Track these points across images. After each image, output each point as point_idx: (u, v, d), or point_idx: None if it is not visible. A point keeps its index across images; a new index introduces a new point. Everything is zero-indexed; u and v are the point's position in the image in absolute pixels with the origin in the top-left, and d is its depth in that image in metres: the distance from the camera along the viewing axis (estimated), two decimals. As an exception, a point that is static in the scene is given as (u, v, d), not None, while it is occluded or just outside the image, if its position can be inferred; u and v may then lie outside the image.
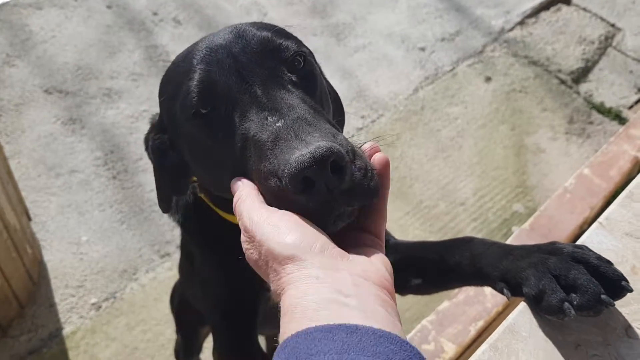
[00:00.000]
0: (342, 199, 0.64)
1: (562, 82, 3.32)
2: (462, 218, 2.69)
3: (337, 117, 0.97)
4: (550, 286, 0.71)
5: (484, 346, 0.69)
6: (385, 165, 0.69)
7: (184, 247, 1.32)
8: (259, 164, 0.68)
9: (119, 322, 2.25)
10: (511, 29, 3.58)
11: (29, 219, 2.42)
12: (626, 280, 0.70)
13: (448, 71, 3.32)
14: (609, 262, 0.72)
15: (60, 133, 2.83)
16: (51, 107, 2.93)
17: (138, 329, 2.23)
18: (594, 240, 0.80)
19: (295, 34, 0.86)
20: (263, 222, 0.63)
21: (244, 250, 0.66)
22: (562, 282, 0.72)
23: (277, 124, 0.68)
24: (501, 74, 3.33)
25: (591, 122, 3.14)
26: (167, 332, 2.22)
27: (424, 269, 1.01)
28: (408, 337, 2.01)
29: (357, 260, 0.61)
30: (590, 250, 0.74)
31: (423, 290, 1.06)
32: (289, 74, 0.77)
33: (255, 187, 0.69)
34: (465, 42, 3.48)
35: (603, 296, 0.68)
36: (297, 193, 0.62)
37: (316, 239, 0.61)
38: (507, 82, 3.29)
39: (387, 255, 1.06)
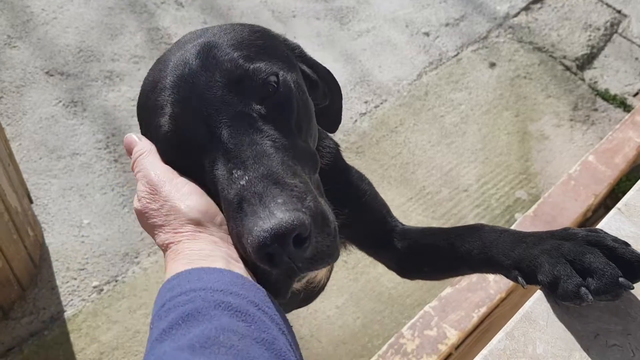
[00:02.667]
0: (305, 266, 0.64)
1: (567, 68, 3.29)
2: (465, 204, 2.67)
3: (333, 100, 0.95)
4: (565, 272, 0.70)
5: (500, 334, 0.67)
6: None
7: None
8: (228, 219, 0.68)
9: (121, 305, 2.24)
10: (516, 15, 3.54)
11: (31, 201, 2.40)
12: None
13: (452, 56, 3.29)
14: (625, 244, 0.71)
15: (62, 115, 2.80)
16: (52, 89, 2.90)
17: (140, 312, 2.23)
18: (612, 226, 0.78)
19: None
20: (170, 181, 0.69)
21: (138, 198, 0.70)
22: (577, 267, 0.70)
23: (242, 182, 0.65)
24: (506, 60, 3.30)
25: (596, 109, 3.12)
26: (169, 316, 2.21)
27: (433, 256, 1.00)
28: (410, 323, 2.01)
29: None
30: (606, 233, 0.72)
31: (432, 276, 1.06)
32: (258, 107, 0.72)
33: (152, 144, 0.74)
34: (469, 28, 3.44)
35: (621, 279, 0.66)
36: (261, 264, 0.63)
37: (217, 213, 0.69)
38: (511, 68, 3.26)
39: (395, 242, 1.06)
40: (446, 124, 2.98)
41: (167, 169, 0.71)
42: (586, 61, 3.36)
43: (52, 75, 2.95)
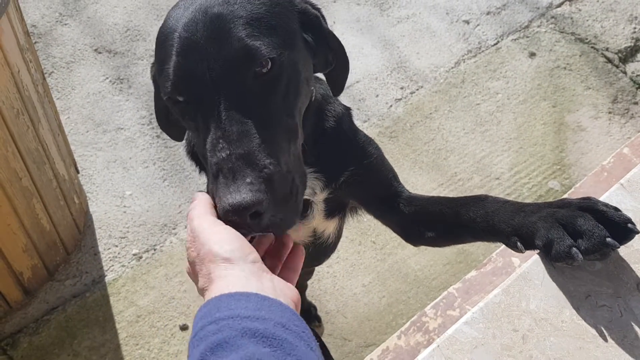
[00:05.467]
0: (260, 232, 0.78)
1: (609, 60, 3.25)
2: (497, 192, 2.69)
3: (340, 70, 1.02)
4: (558, 235, 0.75)
5: (496, 290, 0.73)
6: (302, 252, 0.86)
7: (209, 186, 1.40)
8: (208, 175, 0.82)
9: (158, 272, 2.36)
10: (560, 5, 3.51)
11: (77, 171, 2.54)
12: (632, 223, 0.73)
13: (492, 45, 3.29)
14: (615, 208, 0.76)
15: (108, 91, 2.93)
16: (100, 66, 3.03)
17: (176, 280, 2.34)
18: (614, 200, 0.82)
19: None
20: (208, 228, 0.75)
21: (186, 249, 0.78)
22: (569, 231, 0.76)
23: (223, 154, 0.78)
24: (546, 50, 3.28)
25: (636, 103, 3.08)
26: (202, 285, 2.31)
27: (438, 223, 1.05)
28: (433, 303, 2.06)
29: (279, 280, 0.74)
30: (598, 200, 0.77)
31: (436, 242, 1.11)
32: (252, 82, 0.82)
33: (211, 201, 0.81)
34: (511, 17, 3.43)
35: (608, 239, 0.71)
36: (225, 222, 0.76)
37: (251, 251, 0.73)
38: (551, 58, 3.24)
39: (401, 207, 1.13)
40: (481, 112, 2.99)
41: (211, 219, 0.77)
42: (629, 54, 3.31)
43: (100, 53, 3.08)
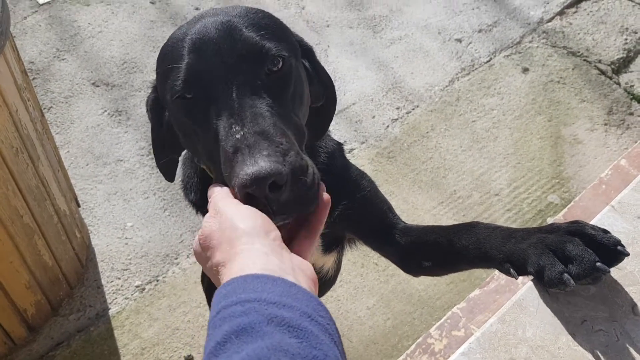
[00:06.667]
0: (279, 209, 0.76)
1: (602, 72, 3.27)
2: (497, 208, 2.70)
3: (328, 105, 1.04)
4: (549, 261, 0.76)
5: (492, 319, 0.73)
6: (326, 203, 0.81)
7: None
8: (224, 165, 0.80)
9: (162, 303, 2.36)
10: (550, 19, 3.54)
11: (78, 205, 2.55)
12: (622, 245, 0.74)
13: (485, 62, 3.32)
14: (604, 231, 0.77)
15: (107, 124, 2.96)
16: (98, 99, 3.06)
17: (179, 310, 2.34)
18: (605, 222, 0.83)
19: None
20: (232, 206, 0.75)
21: (204, 221, 0.77)
22: (560, 256, 0.76)
23: (237, 135, 0.78)
24: (539, 65, 3.31)
25: (631, 113, 3.10)
26: (207, 314, 2.31)
27: (434, 252, 1.07)
28: (438, 324, 2.06)
29: (297, 257, 0.73)
30: (586, 223, 0.78)
31: (434, 271, 1.12)
32: (264, 78, 0.85)
33: (229, 190, 0.80)
34: (502, 33, 3.46)
35: (598, 264, 0.72)
36: (244, 202, 0.75)
37: (272, 229, 0.73)
38: (544, 73, 3.27)
39: (397, 238, 1.14)
40: (477, 129, 3.01)
41: (235, 200, 0.77)
42: (622, 65, 3.34)
43: (98, 86, 3.11)
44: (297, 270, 0.69)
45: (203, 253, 0.75)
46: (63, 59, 3.23)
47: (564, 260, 0.76)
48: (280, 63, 0.86)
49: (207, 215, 0.77)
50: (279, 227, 0.75)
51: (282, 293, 0.62)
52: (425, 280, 2.47)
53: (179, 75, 0.84)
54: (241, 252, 0.68)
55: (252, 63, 0.84)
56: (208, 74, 0.83)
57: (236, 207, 0.74)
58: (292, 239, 0.79)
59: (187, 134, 0.92)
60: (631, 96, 3.17)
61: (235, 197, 0.77)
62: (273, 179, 0.73)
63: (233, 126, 0.79)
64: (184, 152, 1.14)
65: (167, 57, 0.89)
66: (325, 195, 0.82)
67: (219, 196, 0.78)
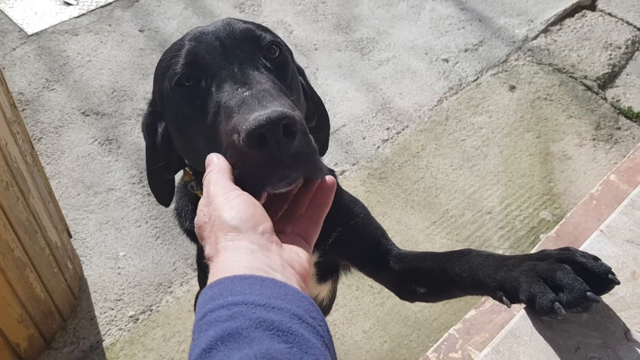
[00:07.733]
0: (288, 160, 0.72)
1: (588, 88, 3.31)
2: (489, 227, 2.71)
3: (321, 126, 1.07)
4: (540, 289, 0.77)
5: (486, 349, 0.73)
6: (331, 185, 0.80)
7: (199, 256, 1.40)
8: (225, 124, 0.78)
9: (156, 333, 2.34)
10: (535, 37, 3.59)
11: (70, 236, 2.53)
12: (612, 273, 0.74)
13: (472, 81, 3.35)
14: (595, 258, 0.77)
15: (98, 153, 2.96)
16: (88, 128, 3.06)
17: (174, 340, 2.32)
18: (595, 247, 0.84)
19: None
20: (223, 193, 0.71)
21: (198, 210, 0.74)
22: (550, 284, 0.77)
23: (245, 94, 0.78)
24: (526, 83, 3.34)
25: (619, 128, 3.13)
26: (201, 343, 2.29)
27: (428, 279, 1.07)
28: (435, 346, 2.05)
29: (288, 249, 0.71)
30: (576, 250, 0.79)
31: (428, 298, 1.12)
32: (264, 60, 0.88)
33: (228, 165, 0.77)
34: (488, 52, 3.51)
35: (588, 293, 0.72)
36: (251, 147, 0.71)
37: (262, 222, 0.69)
38: (531, 90, 3.30)
39: (392, 264, 1.15)
40: (467, 148, 3.03)
41: (228, 184, 0.73)
42: (608, 80, 3.38)
43: (87, 115, 3.12)
44: (287, 266, 0.67)
45: (199, 235, 0.74)
46: (52, 89, 3.24)
47: (555, 288, 0.76)
48: (277, 52, 0.89)
49: (201, 201, 0.75)
50: (272, 218, 0.72)
51: (270, 294, 0.60)
52: (420, 302, 2.46)
53: (178, 60, 0.87)
54: (224, 250, 0.66)
55: (250, 47, 0.88)
56: (209, 55, 0.85)
57: (227, 196, 0.71)
58: (295, 224, 0.78)
59: (183, 127, 0.92)
60: (618, 111, 3.20)
61: (241, 149, 0.73)
62: (286, 121, 0.70)
63: (239, 89, 0.80)
64: (177, 178, 1.13)
65: (166, 55, 0.93)
66: (330, 177, 0.81)
67: (214, 178, 0.75)
